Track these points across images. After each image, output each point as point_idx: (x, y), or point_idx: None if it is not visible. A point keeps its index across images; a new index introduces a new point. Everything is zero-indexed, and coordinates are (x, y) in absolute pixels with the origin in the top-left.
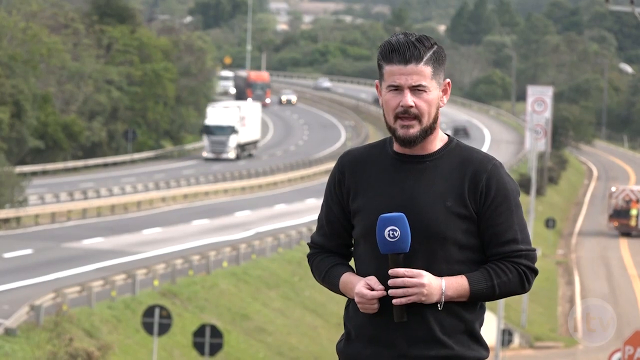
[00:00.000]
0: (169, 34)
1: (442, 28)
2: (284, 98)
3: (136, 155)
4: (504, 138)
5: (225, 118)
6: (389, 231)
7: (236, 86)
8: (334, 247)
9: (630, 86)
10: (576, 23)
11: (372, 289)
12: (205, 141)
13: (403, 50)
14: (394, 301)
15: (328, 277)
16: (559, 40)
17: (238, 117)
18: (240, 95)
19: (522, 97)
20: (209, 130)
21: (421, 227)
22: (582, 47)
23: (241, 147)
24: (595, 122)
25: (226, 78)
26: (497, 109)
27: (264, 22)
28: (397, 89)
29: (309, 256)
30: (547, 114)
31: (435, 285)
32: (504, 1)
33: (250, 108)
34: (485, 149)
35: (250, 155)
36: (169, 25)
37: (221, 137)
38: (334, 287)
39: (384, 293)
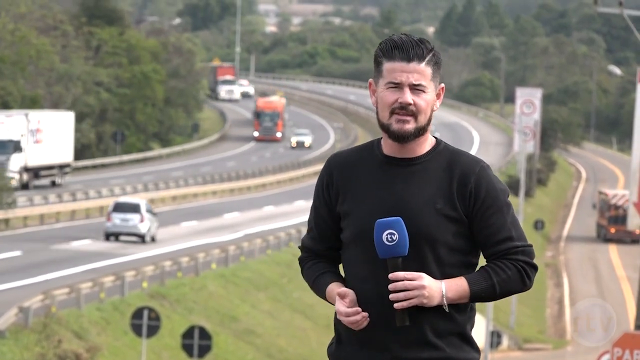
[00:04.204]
0: (157, 35)
1: (430, 30)
2: (293, 140)
3: (125, 157)
4: (493, 140)
5: (5, 130)
6: (387, 235)
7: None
8: (323, 250)
9: (619, 88)
10: (565, 25)
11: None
12: None
13: (407, 48)
14: (396, 305)
15: (316, 286)
16: (547, 43)
17: (25, 129)
18: None
19: (510, 99)
20: None
21: (412, 230)
22: (571, 49)
23: (33, 171)
24: (583, 124)
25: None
26: (486, 110)
27: (253, 24)
28: (397, 86)
29: (300, 260)
30: (536, 115)
31: (435, 288)
32: (493, 3)
33: (53, 119)
34: (473, 151)
35: (54, 184)
36: (157, 27)
37: None
38: (322, 296)
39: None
